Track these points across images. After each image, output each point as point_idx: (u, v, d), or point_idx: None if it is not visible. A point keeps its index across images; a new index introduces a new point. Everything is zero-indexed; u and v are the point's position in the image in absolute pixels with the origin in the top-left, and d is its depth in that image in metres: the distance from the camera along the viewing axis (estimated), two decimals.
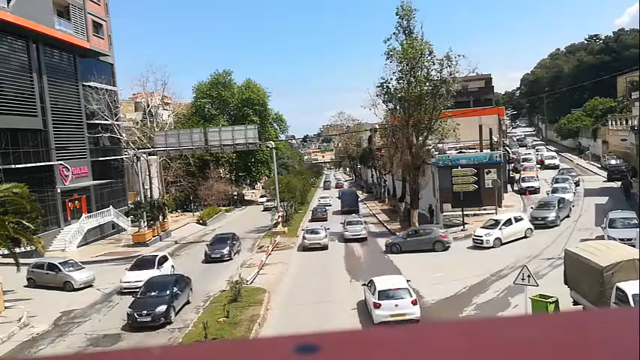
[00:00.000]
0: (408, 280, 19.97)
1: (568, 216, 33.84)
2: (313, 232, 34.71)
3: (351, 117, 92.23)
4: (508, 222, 29.53)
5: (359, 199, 56.66)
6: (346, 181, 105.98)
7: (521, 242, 29.10)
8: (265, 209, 57.66)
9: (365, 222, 39.66)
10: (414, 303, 18.33)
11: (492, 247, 28.35)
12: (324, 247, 33.20)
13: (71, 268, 27.29)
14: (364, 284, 20.77)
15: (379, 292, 18.54)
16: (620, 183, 41.60)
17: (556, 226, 31.47)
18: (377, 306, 18.31)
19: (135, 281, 24.08)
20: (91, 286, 27.05)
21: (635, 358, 0.75)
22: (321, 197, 65.75)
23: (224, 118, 68.50)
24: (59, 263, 27.52)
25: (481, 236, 28.96)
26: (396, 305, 18.21)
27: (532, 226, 30.47)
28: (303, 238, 34.89)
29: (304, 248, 33.56)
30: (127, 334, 19.24)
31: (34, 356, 17.07)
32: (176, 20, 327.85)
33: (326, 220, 44.90)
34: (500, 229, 28.99)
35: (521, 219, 30.51)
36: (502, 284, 21.38)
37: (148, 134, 47.56)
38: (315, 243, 33.38)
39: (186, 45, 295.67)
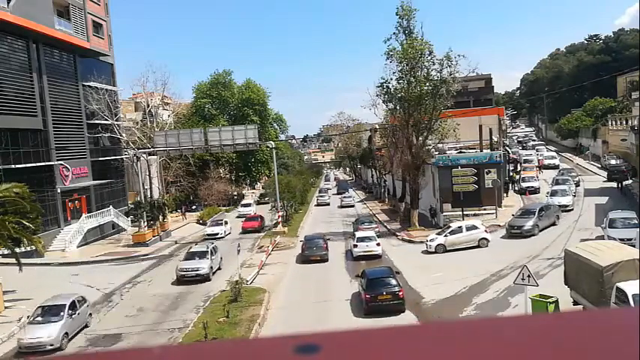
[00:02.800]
0: (377, 234, 31.84)
1: (554, 224, 31.79)
2: (322, 196, 65.00)
3: (351, 117, 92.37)
4: (457, 230, 29.37)
5: (349, 186, 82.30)
6: (344, 180, 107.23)
7: (473, 251, 28.12)
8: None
9: (352, 197, 63.49)
10: (378, 245, 29.23)
11: (435, 252, 28.72)
12: (328, 204, 60.90)
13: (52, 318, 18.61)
14: (350, 237, 33.72)
15: (357, 238, 30.02)
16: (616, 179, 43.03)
17: (533, 235, 29.62)
18: (355, 246, 29.34)
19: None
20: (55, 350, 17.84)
21: (635, 358, 0.75)
22: (325, 183, 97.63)
23: (224, 118, 68.49)
24: (57, 305, 19.31)
25: (427, 241, 29.90)
26: (367, 245, 29.01)
27: (488, 237, 29.09)
28: (317, 199, 65.11)
29: (318, 204, 61.83)
30: (126, 335, 19.25)
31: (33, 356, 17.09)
32: (176, 20, 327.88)
33: (327, 193, 68.51)
34: (445, 236, 29.28)
35: (475, 228, 29.50)
36: (502, 284, 21.37)
37: (148, 134, 47.55)
38: (323, 201, 62.66)
39: (186, 45, 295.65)
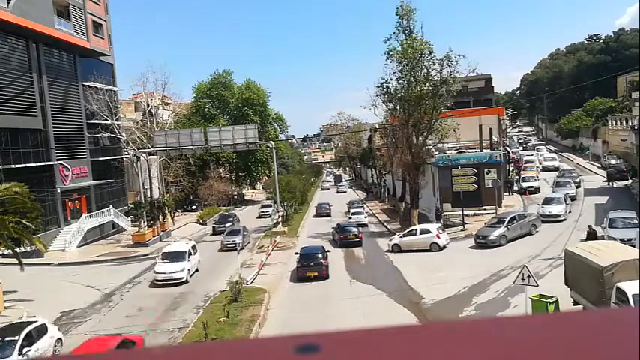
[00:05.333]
0: (365, 212, 45.82)
1: (530, 233, 30.28)
2: (324, 184, 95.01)
3: (351, 117, 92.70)
4: (412, 232, 31.28)
5: (343, 179, 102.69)
6: (346, 180, 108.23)
7: (422, 254, 29.01)
8: None
9: (345, 186, 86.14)
10: (365, 217, 43.39)
11: (391, 251, 31.00)
12: (329, 189, 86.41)
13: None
14: (346, 212, 47.76)
15: (352, 212, 44.06)
16: (608, 175, 44.50)
17: (498, 246, 28.66)
18: (350, 218, 42.29)
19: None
20: None
21: (635, 358, 0.75)
22: (327, 178, 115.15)
23: (224, 118, 68.48)
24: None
25: (389, 240, 32.99)
26: (357, 217, 41.92)
27: (438, 242, 29.69)
28: (321, 185, 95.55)
29: (322, 189, 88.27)
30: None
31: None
32: (176, 20, 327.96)
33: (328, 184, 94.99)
34: (400, 237, 31.53)
35: (428, 232, 30.49)
36: (502, 284, 21.38)
37: (148, 134, 47.54)
38: (325, 187, 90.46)
39: (186, 45, 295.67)
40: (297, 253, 27.30)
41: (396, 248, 30.79)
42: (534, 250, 26.72)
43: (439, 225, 32.31)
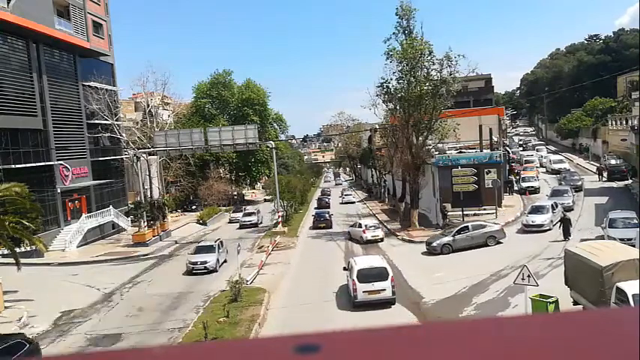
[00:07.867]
0: (352, 193, 70.56)
1: (486, 244, 28.92)
2: (327, 178, 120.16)
3: (351, 117, 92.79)
4: (355, 225, 37.40)
5: (340, 176, 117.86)
6: (345, 180, 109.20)
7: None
8: None
9: (342, 180, 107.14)
10: (353, 197, 67.33)
11: (346, 238, 36.59)
12: (329, 181, 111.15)
13: None
14: (340, 196, 68.72)
15: (344, 194, 67.85)
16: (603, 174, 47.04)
17: (440, 254, 28.55)
18: (342, 198, 66.09)
19: None
20: None
21: (635, 358, 0.75)
22: (328, 175, 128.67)
23: (224, 118, 68.51)
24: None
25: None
26: (347, 197, 66.05)
27: (363, 236, 34.26)
28: (324, 179, 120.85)
29: (324, 181, 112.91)
30: (126, 335, 19.25)
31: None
32: (176, 20, 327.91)
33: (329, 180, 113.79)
34: (350, 227, 38.00)
35: (360, 226, 35.76)
36: (502, 284, 21.36)
37: (148, 134, 47.53)
38: (327, 180, 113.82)
39: (186, 45, 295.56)
40: (313, 215, 46.48)
41: (347, 236, 36.67)
42: (537, 250, 26.73)
43: (374, 223, 38.02)
